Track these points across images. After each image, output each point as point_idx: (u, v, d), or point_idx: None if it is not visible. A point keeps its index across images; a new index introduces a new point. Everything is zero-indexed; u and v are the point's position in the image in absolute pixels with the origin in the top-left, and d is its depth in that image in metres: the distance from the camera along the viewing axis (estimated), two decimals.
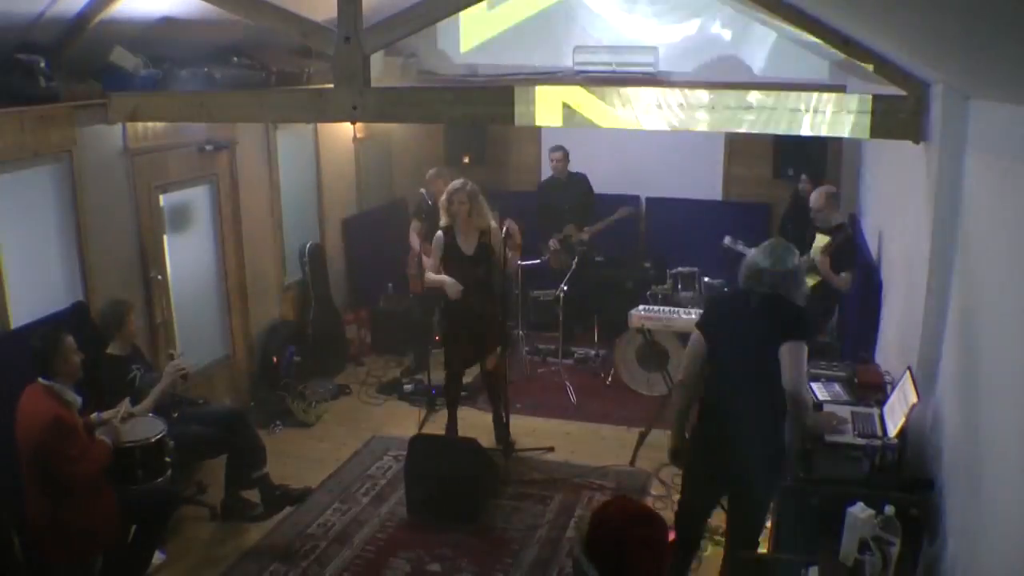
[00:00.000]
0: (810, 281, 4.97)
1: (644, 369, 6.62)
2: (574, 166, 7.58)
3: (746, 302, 3.74)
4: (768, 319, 3.65)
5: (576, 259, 7.10)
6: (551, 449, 5.79)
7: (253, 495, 4.97)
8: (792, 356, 3.52)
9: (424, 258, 6.47)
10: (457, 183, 5.59)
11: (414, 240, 6.99)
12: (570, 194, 7.48)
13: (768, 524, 3.79)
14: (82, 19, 4.52)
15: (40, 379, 3.76)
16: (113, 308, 4.60)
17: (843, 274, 5.54)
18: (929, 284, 3.59)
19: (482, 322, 5.61)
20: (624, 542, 2.13)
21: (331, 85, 4.52)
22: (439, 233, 5.59)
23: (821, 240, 5.62)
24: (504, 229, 5.48)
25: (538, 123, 4.39)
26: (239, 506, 4.96)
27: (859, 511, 3.05)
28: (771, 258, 3.69)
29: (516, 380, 6.64)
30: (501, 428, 5.85)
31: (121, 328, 4.55)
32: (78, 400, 3.85)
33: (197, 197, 5.90)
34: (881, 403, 3.88)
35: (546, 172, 8.13)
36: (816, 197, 5.81)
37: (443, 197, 5.57)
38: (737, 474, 3.69)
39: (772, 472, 3.63)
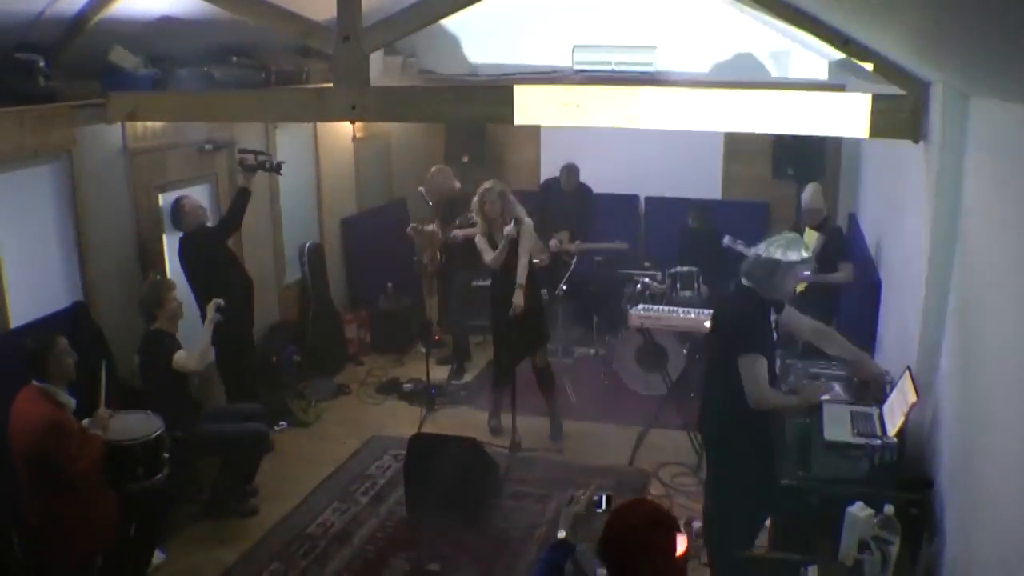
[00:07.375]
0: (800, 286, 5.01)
1: (643, 369, 6.62)
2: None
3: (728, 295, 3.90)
4: (727, 324, 3.83)
5: (575, 259, 7.10)
6: (559, 451, 5.83)
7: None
8: (744, 372, 3.66)
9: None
10: (488, 184, 5.69)
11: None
12: (574, 202, 7.47)
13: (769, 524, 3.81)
14: (81, 18, 4.52)
15: (34, 381, 3.76)
16: (150, 288, 4.74)
17: (842, 265, 5.59)
18: (928, 283, 3.59)
19: (526, 319, 5.70)
20: (635, 545, 2.10)
21: (331, 84, 4.52)
22: (478, 237, 5.69)
23: (811, 236, 5.63)
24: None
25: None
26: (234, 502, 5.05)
27: (858, 510, 3.06)
28: (764, 245, 3.82)
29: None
30: (555, 425, 6.00)
31: (162, 305, 4.64)
32: (72, 402, 3.85)
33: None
34: (880, 402, 3.88)
35: (545, 173, 8.14)
36: (815, 195, 5.79)
37: (475, 199, 5.65)
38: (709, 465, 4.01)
39: (726, 470, 3.75)
